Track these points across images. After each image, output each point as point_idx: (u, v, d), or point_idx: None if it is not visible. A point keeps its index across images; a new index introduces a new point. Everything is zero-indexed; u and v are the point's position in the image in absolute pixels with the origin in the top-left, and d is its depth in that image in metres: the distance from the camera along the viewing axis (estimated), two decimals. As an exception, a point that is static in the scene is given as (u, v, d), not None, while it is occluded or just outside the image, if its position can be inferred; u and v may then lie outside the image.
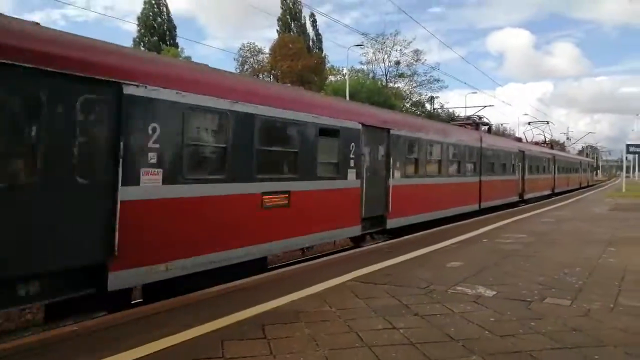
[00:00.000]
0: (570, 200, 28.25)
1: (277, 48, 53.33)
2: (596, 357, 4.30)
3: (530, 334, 4.88)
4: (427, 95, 64.58)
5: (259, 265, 8.44)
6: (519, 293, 6.49)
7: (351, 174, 10.96)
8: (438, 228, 14.05)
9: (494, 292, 6.54)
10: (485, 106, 45.07)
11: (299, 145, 9.34)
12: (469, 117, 27.85)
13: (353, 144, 10.97)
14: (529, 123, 41.98)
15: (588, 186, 52.47)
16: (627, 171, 64.12)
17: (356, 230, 11.26)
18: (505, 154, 22.90)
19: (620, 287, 6.80)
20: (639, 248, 10.26)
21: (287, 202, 8.90)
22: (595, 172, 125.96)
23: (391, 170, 12.58)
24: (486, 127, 25.62)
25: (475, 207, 18.69)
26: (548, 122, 39.76)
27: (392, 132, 12.69)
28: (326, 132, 10.09)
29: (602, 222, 15.78)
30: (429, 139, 15.05)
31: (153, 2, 55.27)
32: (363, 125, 11.40)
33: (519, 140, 32.67)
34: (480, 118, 27.07)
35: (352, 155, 10.94)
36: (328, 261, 8.85)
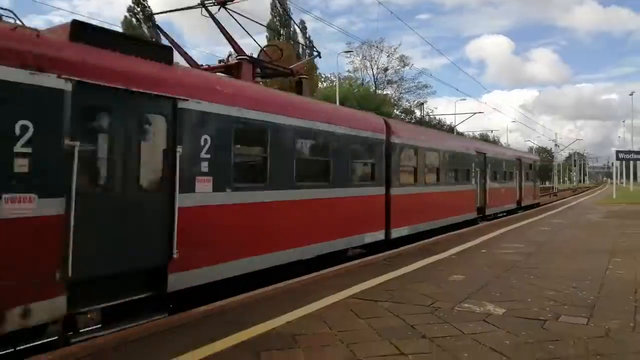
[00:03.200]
0: (562, 208, 28.10)
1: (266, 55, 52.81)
2: (629, 387, 3.89)
3: (552, 360, 4.45)
4: (415, 101, 64.56)
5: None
6: (531, 310, 6.07)
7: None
8: (434, 238, 13.66)
9: (504, 310, 6.11)
10: (475, 113, 45.35)
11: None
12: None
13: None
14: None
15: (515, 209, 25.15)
16: (615, 177, 64.57)
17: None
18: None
19: (636, 303, 6.40)
20: (644, 258, 9.94)
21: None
22: (582, 179, 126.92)
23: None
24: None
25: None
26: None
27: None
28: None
29: (600, 230, 15.51)
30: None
31: (138, 9, 54.34)
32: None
33: None
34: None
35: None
36: (324, 275, 8.38)
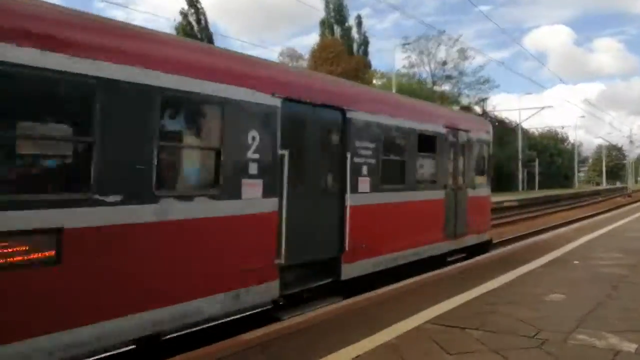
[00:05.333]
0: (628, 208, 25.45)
1: (318, 52, 52.04)
2: None
3: None
4: (476, 97, 61.39)
5: None
6: (673, 348, 4.66)
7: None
8: (512, 246, 12.14)
9: (634, 345, 4.73)
10: (543, 107, 42.45)
11: None
12: None
13: None
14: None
15: None
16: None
17: None
18: None
19: None
20: None
21: None
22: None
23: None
24: None
25: None
26: None
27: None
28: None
29: None
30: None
31: (192, 11, 54.89)
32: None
33: None
34: None
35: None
36: (391, 292, 7.20)
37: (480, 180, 11.86)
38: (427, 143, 9.62)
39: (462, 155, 10.90)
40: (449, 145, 10.34)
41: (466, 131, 11.12)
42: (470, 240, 11.14)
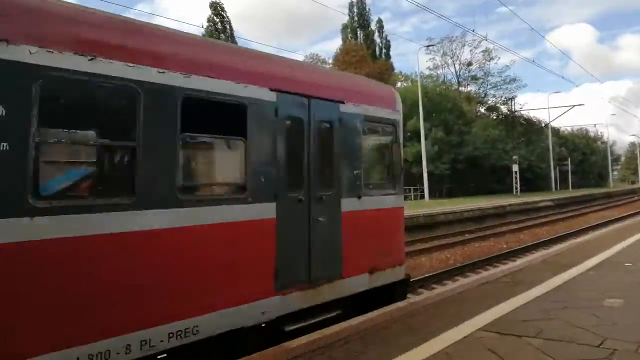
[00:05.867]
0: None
1: (341, 56, 52.10)
2: None
3: None
4: (503, 96, 60.25)
5: None
6: None
7: None
8: (552, 249, 11.61)
9: None
10: (575, 105, 41.35)
11: None
12: None
13: None
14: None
15: None
16: None
17: None
18: None
19: None
20: None
21: None
22: None
23: None
24: None
25: None
26: None
27: None
28: None
29: None
30: None
31: (217, 19, 55.98)
32: None
33: None
34: None
35: None
36: (430, 300, 6.83)
37: (377, 184, 7.51)
38: (218, 117, 5.25)
39: (326, 143, 6.41)
40: (285, 124, 5.88)
41: (337, 102, 6.51)
42: (353, 285, 6.52)
